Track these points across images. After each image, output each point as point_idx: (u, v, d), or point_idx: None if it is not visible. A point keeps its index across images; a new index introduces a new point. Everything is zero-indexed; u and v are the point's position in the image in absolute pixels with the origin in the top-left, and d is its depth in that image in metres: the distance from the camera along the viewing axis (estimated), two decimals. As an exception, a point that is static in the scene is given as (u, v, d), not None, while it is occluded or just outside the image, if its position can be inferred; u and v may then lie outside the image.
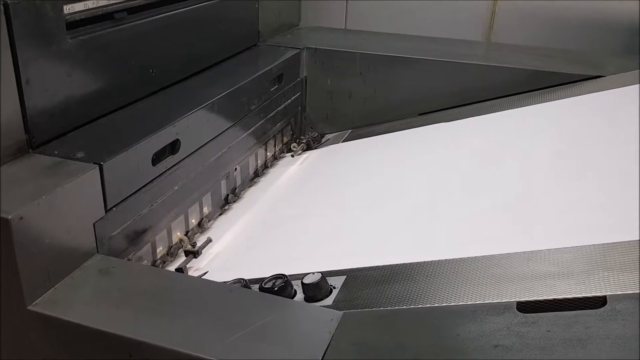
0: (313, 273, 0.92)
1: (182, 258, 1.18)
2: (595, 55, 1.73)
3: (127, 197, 1.02)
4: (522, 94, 1.56)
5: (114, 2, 1.13)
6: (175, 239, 1.18)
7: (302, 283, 0.92)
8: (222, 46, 1.53)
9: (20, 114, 0.95)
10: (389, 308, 0.83)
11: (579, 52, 1.75)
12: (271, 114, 1.55)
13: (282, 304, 0.86)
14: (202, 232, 1.28)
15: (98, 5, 1.09)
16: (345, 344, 0.75)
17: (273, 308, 0.84)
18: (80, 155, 0.97)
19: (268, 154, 1.58)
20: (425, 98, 1.67)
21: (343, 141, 1.67)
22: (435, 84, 1.65)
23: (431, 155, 1.41)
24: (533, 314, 0.73)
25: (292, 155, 1.63)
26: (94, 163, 0.95)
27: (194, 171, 1.22)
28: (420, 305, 0.81)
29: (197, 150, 1.22)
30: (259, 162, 1.53)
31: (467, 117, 1.54)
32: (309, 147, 1.67)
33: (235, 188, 1.41)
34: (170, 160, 1.13)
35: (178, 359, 0.75)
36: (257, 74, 1.46)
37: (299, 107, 1.73)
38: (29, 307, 0.83)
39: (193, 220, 1.25)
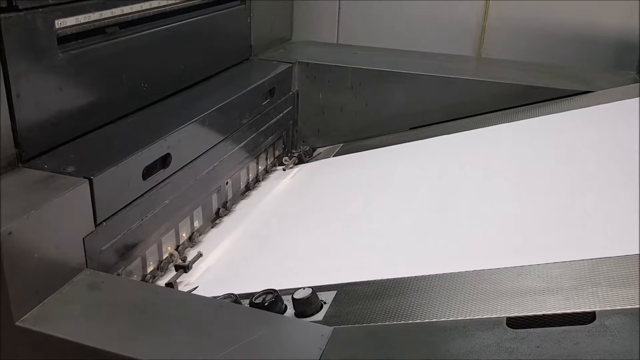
0: (304, 288, 0.92)
1: (173, 273, 1.17)
2: (584, 70, 1.74)
3: (117, 212, 1.02)
4: (513, 109, 1.57)
5: (105, 17, 1.13)
6: (165, 254, 1.17)
7: (293, 298, 0.91)
8: (214, 60, 1.54)
9: (10, 128, 0.95)
10: (379, 323, 0.83)
11: (567, 68, 1.77)
12: (262, 128, 1.55)
13: (272, 320, 0.85)
14: (192, 246, 1.27)
15: (90, 20, 1.09)
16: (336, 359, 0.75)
17: (263, 323, 0.84)
18: (70, 169, 0.96)
19: (260, 167, 1.58)
20: (417, 112, 1.68)
21: (334, 155, 1.67)
22: (427, 99, 1.66)
23: (422, 170, 1.42)
24: (523, 330, 0.73)
25: (284, 169, 1.63)
26: (84, 177, 0.94)
27: (185, 185, 1.21)
28: (410, 321, 0.81)
29: (188, 164, 1.22)
30: (250, 175, 1.53)
31: (459, 132, 1.55)
32: (300, 161, 1.67)
33: (227, 202, 1.40)
34: (161, 174, 1.13)
35: (167, 375, 0.75)
36: (248, 88, 1.46)
37: (291, 121, 1.74)
38: (17, 323, 0.82)
39: (184, 235, 1.25)
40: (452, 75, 1.65)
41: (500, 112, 1.58)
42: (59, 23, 1.02)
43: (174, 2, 1.34)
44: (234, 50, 1.63)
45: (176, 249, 1.21)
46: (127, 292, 0.92)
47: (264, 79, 1.54)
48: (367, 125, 1.73)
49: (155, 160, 1.11)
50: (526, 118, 1.49)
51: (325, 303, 0.92)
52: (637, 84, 1.50)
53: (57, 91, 1.03)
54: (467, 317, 0.78)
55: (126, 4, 1.18)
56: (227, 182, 1.40)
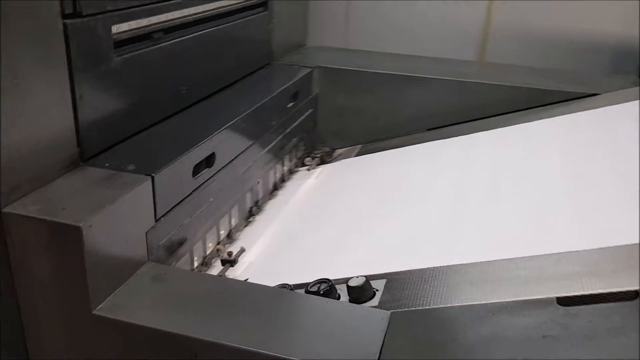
0: (357, 277, 0.98)
1: (216, 268, 1.22)
2: (587, 75, 1.83)
3: (172, 208, 1.07)
4: (524, 111, 1.65)
5: (152, 22, 1.18)
6: (208, 250, 1.23)
7: (348, 286, 0.97)
8: (242, 64, 1.60)
9: (74, 128, 1.00)
10: (434, 307, 0.89)
11: (572, 72, 1.86)
12: (288, 130, 1.61)
13: (333, 305, 0.91)
14: (231, 243, 1.32)
15: (140, 25, 1.15)
16: (399, 341, 0.81)
17: (324, 309, 0.90)
18: (131, 167, 1.01)
19: (285, 168, 1.64)
20: (432, 114, 1.75)
21: (355, 156, 1.74)
22: (442, 101, 1.73)
23: (442, 169, 1.49)
24: (573, 307, 0.80)
25: (308, 169, 1.69)
26: (146, 175, 0.99)
27: (225, 184, 1.27)
28: (465, 304, 0.87)
29: (228, 163, 1.27)
30: (277, 175, 1.59)
31: (474, 133, 1.63)
32: (322, 162, 1.73)
33: (258, 201, 1.46)
34: (207, 172, 1.19)
35: (244, 357, 0.80)
36: (277, 92, 1.52)
37: (311, 123, 1.80)
38: (94, 312, 0.87)
39: (222, 232, 1.30)
40: (466, 79, 1.72)
41: (512, 113, 1.65)
42: (115, 28, 1.07)
43: (209, 9, 1.39)
44: (258, 55, 1.69)
45: (217, 245, 1.26)
46: (190, 283, 0.97)
47: (290, 83, 1.60)
48: (384, 127, 1.80)
49: (203, 160, 1.17)
50: (538, 119, 1.57)
51: (377, 290, 0.98)
52: (642, 86, 1.59)
53: (113, 93, 1.08)
54: (518, 299, 0.85)
55: (170, 11, 1.24)
56: (258, 182, 1.46)
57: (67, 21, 0.96)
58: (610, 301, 0.80)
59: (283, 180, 1.63)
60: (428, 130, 1.76)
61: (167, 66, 1.24)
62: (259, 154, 1.44)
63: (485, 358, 0.75)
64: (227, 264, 1.20)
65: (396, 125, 1.79)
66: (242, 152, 1.34)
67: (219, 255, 1.21)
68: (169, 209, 1.06)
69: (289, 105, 1.61)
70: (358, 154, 1.75)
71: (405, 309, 0.90)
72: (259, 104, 1.41)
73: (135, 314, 0.87)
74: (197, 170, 1.16)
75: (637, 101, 1.43)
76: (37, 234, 0.85)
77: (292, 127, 1.64)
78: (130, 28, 1.12)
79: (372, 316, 0.87)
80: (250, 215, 1.43)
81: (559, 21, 2.14)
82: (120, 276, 0.93)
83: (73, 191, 0.93)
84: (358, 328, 0.86)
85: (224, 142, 1.24)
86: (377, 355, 0.79)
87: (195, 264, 1.19)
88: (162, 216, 1.04)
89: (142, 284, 0.94)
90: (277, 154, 1.57)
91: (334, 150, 1.81)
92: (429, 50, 2.14)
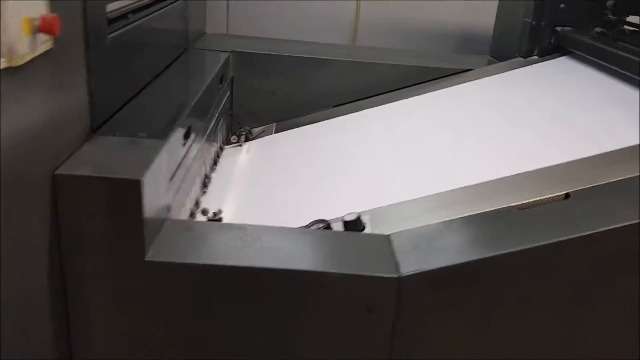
0: (350, 213, 1.18)
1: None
2: (454, 55, 2.23)
3: (175, 171, 1.18)
4: (415, 85, 1.97)
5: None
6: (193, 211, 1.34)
7: (344, 221, 1.17)
8: (171, 49, 1.69)
9: (88, 101, 1.06)
10: (415, 226, 1.12)
11: (441, 53, 2.24)
12: (219, 110, 1.74)
13: (341, 235, 1.11)
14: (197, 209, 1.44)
15: (122, 5, 1.22)
16: (406, 253, 1.03)
17: (338, 238, 1.09)
18: (142, 135, 1.10)
19: (218, 145, 1.77)
20: (339, 92, 2.00)
21: (275, 133, 1.92)
22: (345, 80, 1.99)
23: (357, 136, 1.74)
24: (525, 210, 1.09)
25: (240, 145, 1.84)
26: (160, 140, 1.09)
27: (194, 155, 1.38)
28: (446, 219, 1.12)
29: (196, 137, 1.39)
30: (215, 151, 1.71)
31: (376, 106, 1.91)
32: (247, 139, 1.88)
33: (206, 174, 1.58)
34: (187, 143, 1.30)
35: (292, 276, 0.97)
36: (212, 76, 1.65)
37: (229, 105, 1.94)
38: (147, 259, 0.96)
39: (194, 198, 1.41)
40: (364, 60, 2.00)
41: (407, 88, 1.97)
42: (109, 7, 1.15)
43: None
44: (180, 41, 1.79)
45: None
46: (215, 230, 1.09)
47: (218, 67, 1.74)
48: (296, 106, 2.00)
49: (188, 128, 1.28)
50: (430, 91, 1.90)
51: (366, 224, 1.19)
52: (503, 62, 1.99)
53: (109, 69, 1.15)
54: (486, 209, 1.12)
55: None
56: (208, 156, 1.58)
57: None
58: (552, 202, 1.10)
59: (218, 156, 1.75)
60: (334, 106, 2.00)
61: (138, 46, 1.33)
62: (207, 130, 1.56)
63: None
64: (216, 222, 1.32)
65: (306, 104, 2.00)
66: (203, 128, 1.46)
67: (205, 215, 1.33)
68: (173, 171, 1.17)
69: (218, 88, 1.74)
70: (276, 131, 1.93)
71: (399, 230, 1.12)
72: (207, 84, 1.54)
73: (183, 256, 0.98)
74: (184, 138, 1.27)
75: (509, 72, 1.83)
76: (93, 192, 0.92)
77: (220, 108, 1.77)
78: (114, 8, 1.20)
79: (374, 239, 1.09)
80: (204, 186, 1.55)
81: (417, 12, 2.53)
82: (157, 227, 1.02)
83: (108, 156, 1.01)
84: (367, 248, 1.06)
85: (192, 117, 1.35)
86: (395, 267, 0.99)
87: (183, 226, 1.29)
88: (171, 178, 1.14)
89: (174, 233, 1.05)
90: (214, 132, 1.69)
91: (252, 129, 1.97)
92: (308, 38, 2.40)
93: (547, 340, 1.04)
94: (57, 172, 0.92)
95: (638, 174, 1.13)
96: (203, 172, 1.54)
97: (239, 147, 1.84)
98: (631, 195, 1.07)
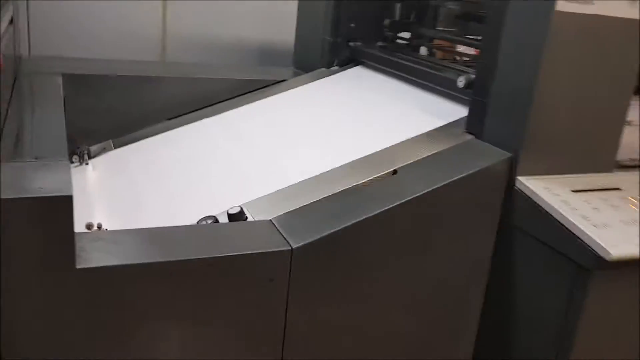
0: (233, 207, 1.40)
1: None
2: (263, 67, 2.53)
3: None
4: (243, 95, 2.22)
5: None
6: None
7: (229, 214, 1.38)
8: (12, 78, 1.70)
9: None
10: (288, 211, 1.38)
11: (254, 66, 2.52)
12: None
13: (233, 226, 1.33)
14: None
15: None
16: (290, 231, 1.29)
17: (233, 227, 1.31)
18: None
19: (65, 165, 1.81)
20: (168, 106, 2.16)
21: (115, 148, 2.01)
22: (176, 94, 2.16)
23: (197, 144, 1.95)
24: (369, 186, 1.43)
25: (87, 164, 1.89)
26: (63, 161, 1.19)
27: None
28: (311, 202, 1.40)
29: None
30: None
31: (207, 117, 2.12)
32: (89, 157, 1.94)
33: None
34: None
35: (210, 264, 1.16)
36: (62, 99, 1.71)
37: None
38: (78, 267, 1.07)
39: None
40: (194, 76, 2.20)
41: (235, 98, 2.21)
42: None
43: None
44: (12, 66, 1.79)
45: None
46: (124, 235, 1.22)
47: (60, 90, 1.78)
48: (130, 122, 2.11)
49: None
50: (252, 102, 2.17)
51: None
52: (310, 72, 2.35)
53: None
54: (340, 190, 1.43)
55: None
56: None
57: None
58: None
59: (68, 176, 1.80)
60: (168, 119, 2.16)
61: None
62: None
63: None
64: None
65: (140, 119, 2.12)
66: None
67: (90, 229, 1.42)
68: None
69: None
70: (116, 147, 2.02)
71: (276, 215, 1.38)
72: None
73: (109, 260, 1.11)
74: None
75: (318, 80, 2.18)
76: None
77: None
78: None
79: (261, 224, 1.33)
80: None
81: (221, 29, 2.78)
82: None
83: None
84: (258, 232, 1.30)
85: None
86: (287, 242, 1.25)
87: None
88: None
89: (90, 242, 1.16)
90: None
91: (89, 147, 2.03)
92: (116, 55, 2.50)
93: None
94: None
95: (436, 151, 1.54)
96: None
97: (85, 166, 1.90)
98: (439, 164, 1.47)
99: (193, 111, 2.17)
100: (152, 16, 2.70)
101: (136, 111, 2.12)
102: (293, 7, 2.52)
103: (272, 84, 2.27)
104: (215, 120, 2.06)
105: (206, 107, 2.18)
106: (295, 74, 2.42)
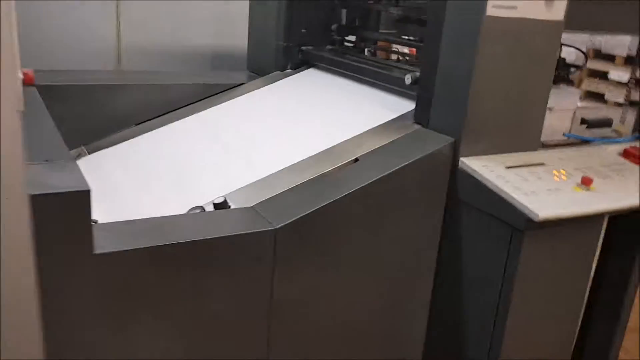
0: (217, 197, 1.57)
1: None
2: (220, 72, 2.69)
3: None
4: (203, 99, 2.39)
5: None
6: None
7: (214, 204, 1.56)
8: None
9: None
10: (267, 198, 1.57)
11: (210, 72, 2.68)
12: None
13: (222, 214, 1.51)
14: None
15: None
16: (267, 213, 1.49)
17: (220, 214, 1.49)
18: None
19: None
20: (134, 112, 2.30)
21: (90, 153, 2.14)
22: (143, 100, 2.30)
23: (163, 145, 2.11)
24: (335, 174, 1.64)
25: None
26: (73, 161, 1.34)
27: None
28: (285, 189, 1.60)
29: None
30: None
31: (174, 121, 2.28)
32: (67, 162, 2.06)
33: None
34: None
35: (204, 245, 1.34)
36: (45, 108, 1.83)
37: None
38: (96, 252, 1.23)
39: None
40: (155, 82, 2.34)
41: (195, 103, 2.37)
42: None
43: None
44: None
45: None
46: (126, 225, 1.38)
47: (42, 102, 1.90)
48: (100, 128, 2.23)
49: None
50: (216, 104, 2.34)
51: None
52: (266, 75, 2.53)
53: None
54: (311, 177, 1.63)
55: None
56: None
57: None
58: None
59: (49, 180, 1.92)
60: (136, 124, 2.30)
61: None
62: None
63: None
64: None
65: (108, 125, 2.25)
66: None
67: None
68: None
69: (40, 118, 1.91)
70: (90, 152, 2.15)
71: (257, 202, 1.56)
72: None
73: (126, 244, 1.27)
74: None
75: (275, 83, 2.38)
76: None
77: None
78: None
79: (247, 212, 1.51)
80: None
81: (173, 37, 2.93)
82: (88, 231, 1.28)
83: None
84: (247, 217, 1.49)
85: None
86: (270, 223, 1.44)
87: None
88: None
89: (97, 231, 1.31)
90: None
91: (64, 153, 2.14)
92: (71, 65, 2.62)
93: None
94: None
95: (390, 140, 1.77)
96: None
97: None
98: (393, 151, 1.70)
99: (159, 116, 2.31)
100: (106, 27, 2.83)
101: (103, 119, 2.24)
102: (244, 10, 2.69)
103: (231, 88, 2.44)
104: (185, 122, 2.22)
105: (171, 111, 2.33)
106: (251, 77, 2.60)
